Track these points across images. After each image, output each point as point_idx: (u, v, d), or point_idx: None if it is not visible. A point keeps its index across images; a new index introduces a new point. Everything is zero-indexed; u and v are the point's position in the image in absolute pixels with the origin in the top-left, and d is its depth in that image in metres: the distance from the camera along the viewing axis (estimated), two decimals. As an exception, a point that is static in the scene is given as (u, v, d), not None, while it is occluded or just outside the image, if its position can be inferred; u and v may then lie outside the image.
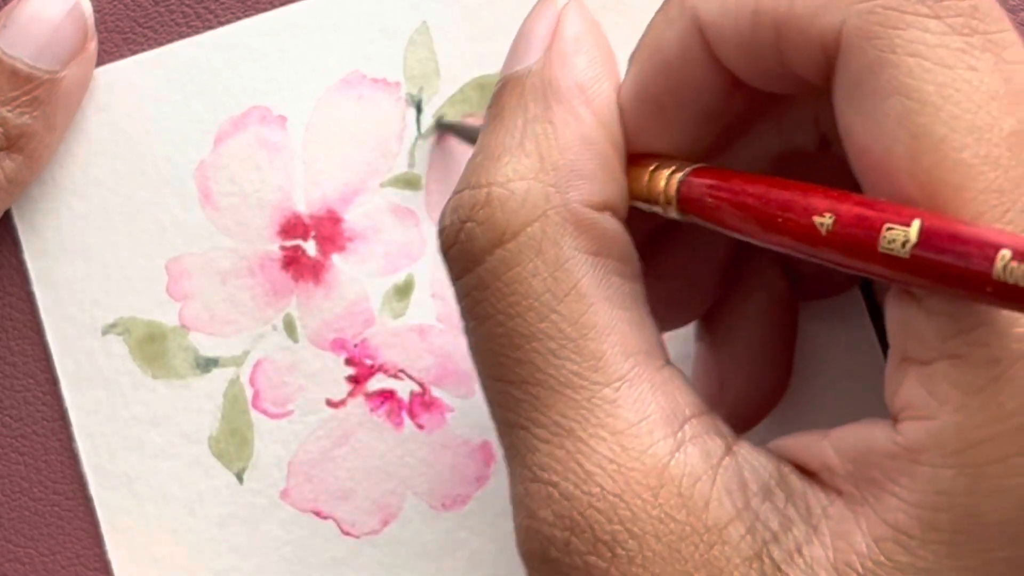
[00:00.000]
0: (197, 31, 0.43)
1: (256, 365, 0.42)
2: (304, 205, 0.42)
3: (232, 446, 0.41)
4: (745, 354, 0.37)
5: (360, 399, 0.41)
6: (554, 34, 0.32)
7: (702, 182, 0.30)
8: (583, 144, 0.31)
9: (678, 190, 0.31)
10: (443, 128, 0.42)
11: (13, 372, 0.42)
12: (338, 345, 0.41)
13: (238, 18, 0.43)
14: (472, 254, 0.30)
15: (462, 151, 0.42)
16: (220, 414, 0.41)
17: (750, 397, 0.37)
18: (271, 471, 0.41)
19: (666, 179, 0.31)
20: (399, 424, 0.41)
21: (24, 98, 0.40)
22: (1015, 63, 0.27)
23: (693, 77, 0.31)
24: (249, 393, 0.42)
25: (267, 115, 0.42)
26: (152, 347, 0.42)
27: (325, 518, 0.41)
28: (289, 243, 0.42)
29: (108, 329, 0.42)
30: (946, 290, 0.26)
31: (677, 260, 0.36)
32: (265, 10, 0.42)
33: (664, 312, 0.33)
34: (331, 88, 0.42)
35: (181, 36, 0.43)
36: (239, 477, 0.41)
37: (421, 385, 0.41)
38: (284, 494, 0.41)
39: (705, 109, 0.31)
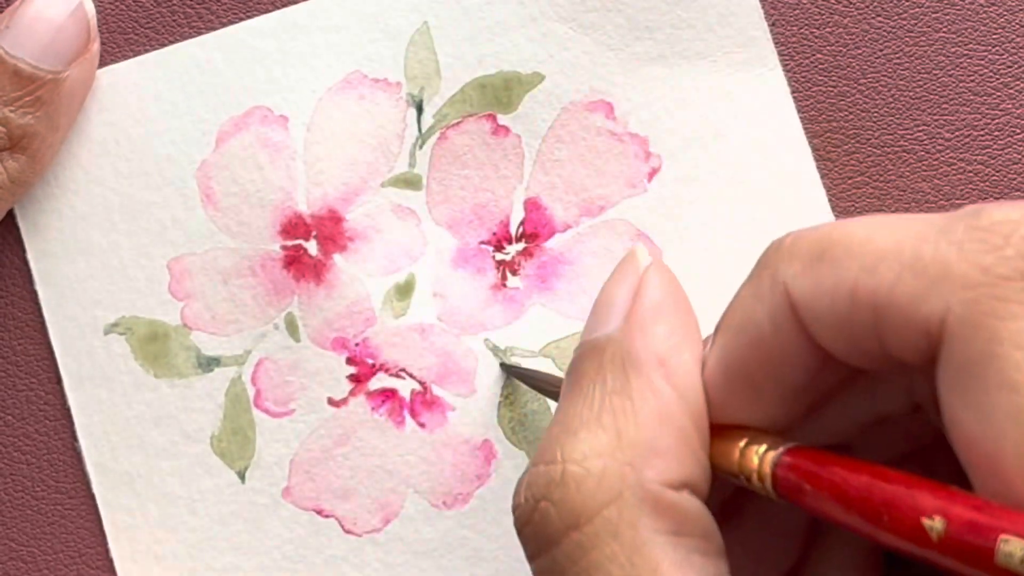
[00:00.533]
0: (199, 32, 0.43)
1: (258, 364, 0.42)
2: (305, 205, 0.42)
3: (234, 445, 0.41)
4: None
5: (361, 398, 0.42)
6: (635, 300, 0.31)
7: (798, 466, 0.29)
8: (662, 420, 0.29)
9: (772, 472, 0.29)
10: (508, 371, 0.41)
11: (16, 371, 0.42)
12: (339, 344, 0.42)
13: (240, 19, 0.43)
14: (547, 536, 0.29)
15: (463, 151, 0.42)
16: (222, 413, 0.42)
17: None
18: (273, 470, 0.41)
19: (758, 457, 0.29)
20: (400, 423, 0.41)
21: (27, 98, 0.40)
22: None
23: (784, 354, 0.29)
24: (251, 392, 0.42)
25: (268, 115, 0.42)
26: (154, 346, 0.42)
27: (327, 516, 0.41)
28: (290, 243, 0.42)
29: (110, 328, 0.42)
30: None
31: (760, 526, 0.34)
32: (266, 11, 0.43)
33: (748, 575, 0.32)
34: (332, 88, 0.42)
35: (183, 37, 0.43)
36: (241, 476, 0.41)
37: (422, 384, 0.42)
38: (286, 493, 0.41)
39: (796, 384, 0.30)
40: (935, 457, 0.30)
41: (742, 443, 0.30)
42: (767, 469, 0.29)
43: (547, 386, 0.39)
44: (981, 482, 0.26)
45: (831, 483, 0.28)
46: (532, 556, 0.30)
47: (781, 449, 0.29)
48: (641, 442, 0.29)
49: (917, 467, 0.29)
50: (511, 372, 0.41)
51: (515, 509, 0.30)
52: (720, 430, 0.30)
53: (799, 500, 0.29)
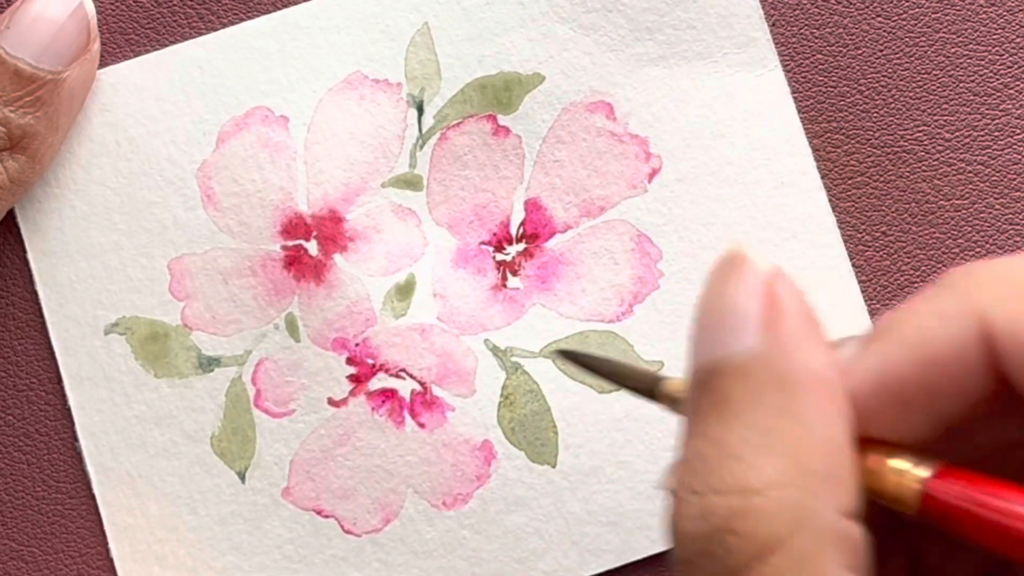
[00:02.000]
0: (199, 32, 0.43)
1: (258, 364, 0.42)
2: (306, 205, 0.42)
3: (234, 445, 0.41)
4: None
5: (361, 398, 0.42)
6: (775, 311, 0.29)
7: (951, 489, 0.27)
8: (835, 446, 0.28)
9: (921, 491, 0.28)
10: (567, 357, 0.38)
11: (17, 371, 0.42)
12: (339, 344, 0.42)
13: (240, 19, 0.43)
14: (729, 569, 0.27)
15: (464, 151, 0.42)
16: (222, 413, 0.42)
17: None
18: (273, 470, 0.41)
19: (901, 476, 0.28)
20: (400, 423, 0.41)
21: (27, 98, 0.40)
22: None
23: (959, 379, 0.28)
24: (251, 392, 0.42)
25: (269, 115, 0.42)
26: (154, 346, 0.42)
27: (327, 517, 0.41)
28: (291, 243, 0.42)
29: (111, 328, 0.42)
30: None
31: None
32: (267, 11, 0.43)
33: None
34: (333, 89, 0.42)
35: (183, 37, 0.43)
36: (241, 476, 0.41)
37: (422, 384, 0.42)
38: (286, 493, 0.41)
39: (958, 408, 0.28)
40: None
41: (881, 458, 0.28)
42: (911, 487, 0.28)
43: (621, 375, 0.35)
44: None
45: (988, 507, 0.27)
46: None
47: (930, 470, 0.28)
48: (819, 470, 0.27)
49: None
50: (576, 360, 0.37)
51: (684, 537, 0.28)
52: (858, 442, 0.29)
53: (948, 525, 0.27)
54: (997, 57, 0.42)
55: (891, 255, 0.42)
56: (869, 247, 0.42)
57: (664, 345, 0.42)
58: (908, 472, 0.28)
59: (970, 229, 0.42)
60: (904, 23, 0.42)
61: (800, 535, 0.27)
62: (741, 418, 0.28)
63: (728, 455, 0.28)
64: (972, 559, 0.32)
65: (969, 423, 0.29)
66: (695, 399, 0.29)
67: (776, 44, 0.42)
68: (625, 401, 0.41)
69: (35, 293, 0.42)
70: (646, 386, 0.33)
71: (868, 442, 0.29)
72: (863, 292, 0.42)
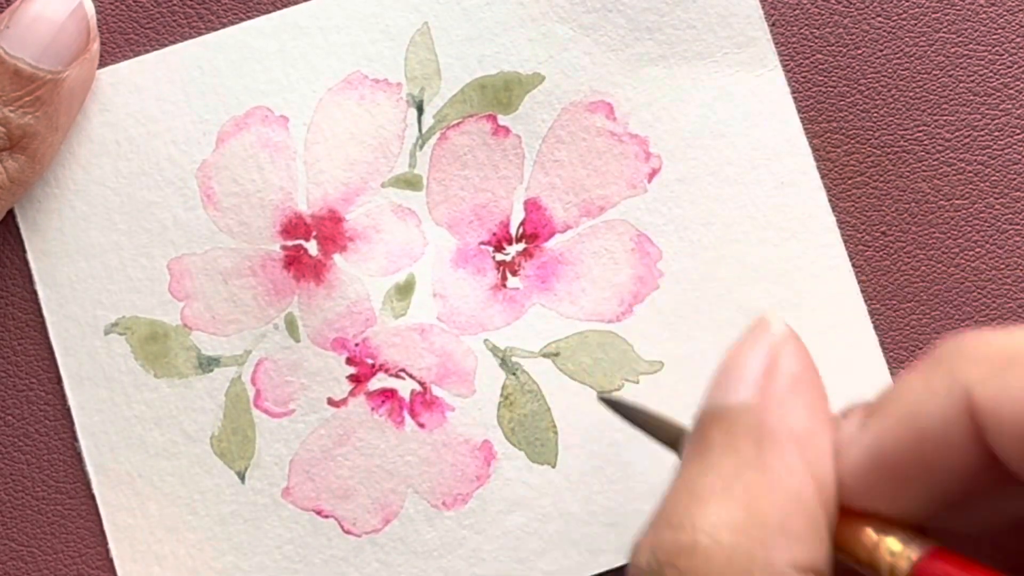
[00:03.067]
0: (199, 32, 0.43)
1: (258, 364, 0.42)
2: (306, 205, 0.42)
3: (234, 445, 0.41)
4: None
5: (361, 398, 0.42)
6: (771, 370, 0.30)
7: (940, 572, 0.28)
8: (796, 501, 0.28)
9: (910, 572, 0.28)
10: (610, 406, 0.38)
11: (16, 371, 0.42)
12: (339, 344, 0.42)
13: (240, 19, 0.43)
14: None
15: (463, 151, 0.42)
16: (222, 413, 0.42)
17: None
18: (273, 470, 0.41)
19: (892, 554, 0.28)
20: (400, 423, 0.41)
21: (27, 98, 0.40)
22: None
23: (949, 455, 0.28)
24: (251, 392, 0.42)
25: (269, 115, 0.42)
26: (154, 346, 0.42)
27: (326, 517, 0.41)
28: (291, 243, 0.42)
29: (110, 328, 0.42)
30: None
31: None
32: (267, 11, 0.43)
33: None
34: (333, 89, 0.42)
35: (183, 37, 0.43)
36: (241, 476, 0.41)
37: (422, 384, 0.42)
38: (285, 493, 0.41)
39: (951, 484, 0.29)
40: None
41: (874, 534, 0.29)
42: (903, 566, 0.28)
43: (652, 426, 0.37)
44: None
45: None
46: None
47: (922, 550, 0.28)
48: (774, 521, 0.28)
49: None
50: (612, 406, 0.38)
51: (634, 569, 0.29)
52: (849, 514, 0.30)
53: None
54: (997, 57, 0.42)
55: (891, 255, 0.42)
56: (869, 247, 0.42)
57: (664, 345, 0.42)
58: (901, 551, 0.28)
59: (970, 229, 0.42)
60: (904, 23, 0.42)
61: None
62: (714, 465, 0.29)
63: (691, 496, 0.29)
64: None
65: (967, 498, 0.30)
66: (689, 444, 0.30)
67: (776, 44, 0.42)
68: (625, 401, 0.41)
69: (35, 293, 0.42)
70: (671, 438, 0.34)
71: (863, 516, 0.29)
72: (863, 292, 0.42)
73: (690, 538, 0.28)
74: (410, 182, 0.42)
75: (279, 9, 0.43)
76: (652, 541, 0.29)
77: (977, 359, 0.28)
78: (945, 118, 0.42)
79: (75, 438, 0.42)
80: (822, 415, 0.30)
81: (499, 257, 0.42)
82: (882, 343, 0.41)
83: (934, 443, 0.28)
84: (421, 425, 0.41)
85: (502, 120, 0.42)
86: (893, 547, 0.29)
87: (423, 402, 0.41)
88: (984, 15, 0.42)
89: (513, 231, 0.42)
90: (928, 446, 0.28)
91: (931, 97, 0.42)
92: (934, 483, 0.29)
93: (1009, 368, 0.27)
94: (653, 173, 0.42)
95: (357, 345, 0.42)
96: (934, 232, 0.42)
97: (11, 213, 0.42)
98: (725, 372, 0.31)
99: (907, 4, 0.42)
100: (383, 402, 0.41)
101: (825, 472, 0.29)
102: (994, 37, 0.42)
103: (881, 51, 0.42)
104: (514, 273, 0.42)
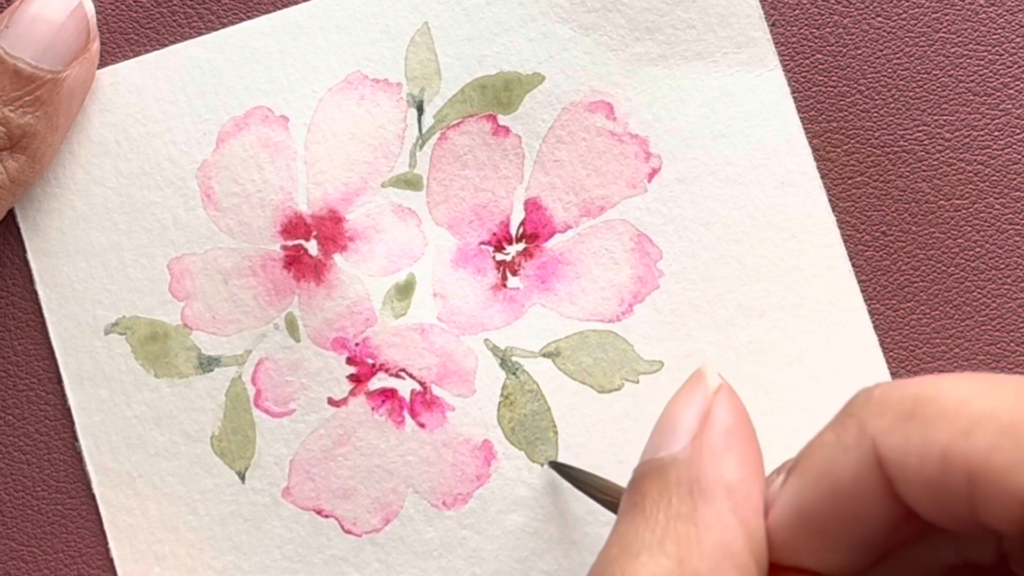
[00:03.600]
0: (199, 32, 0.43)
1: (258, 364, 0.42)
2: (306, 205, 0.42)
3: (234, 445, 0.42)
4: None
5: (361, 398, 0.42)
6: (704, 424, 0.30)
7: None
8: (725, 554, 0.29)
9: None
10: (557, 469, 0.41)
11: (17, 371, 0.42)
12: (339, 344, 0.42)
13: (240, 19, 0.43)
14: None
15: (464, 151, 0.42)
16: (222, 413, 0.42)
17: None
18: (273, 470, 0.41)
19: None
20: (400, 423, 0.41)
21: (27, 98, 0.40)
22: None
23: (865, 507, 0.28)
24: (251, 392, 0.42)
25: (269, 115, 0.42)
26: (154, 346, 0.42)
27: (326, 516, 0.41)
28: (291, 243, 0.42)
29: (111, 328, 0.42)
30: None
31: None
32: (267, 11, 0.43)
33: None
34: (333, 89, 0.42)
35: (183, 37, 0.43)
36: (241, 476, 0.41)
37: (422, 384, 0.42)
38: (286, 493, 0.41)
39: (872, 535, 0.29)
40: None
41: None
42: None
43: (600, 493, 0.38)
44: None
45: None
46: None
47: None
48: (703, 573, 0.28)
49: None
50: (562, 473, 0.40)
51: None
52: (779, 570, 0.30)
53: None
54: (997, 57, 0.42)
55: (891, 255, 0.42)
56: (869, 247, 0.42)
57: (664, 345, 0.42)
58: None
59: (970, 229, 0.42)
60: (904, 23, 0.42)
61: None
62: (644, 515, 0.29)
63: (622, 551, 0.29)
64: None
65: (894, 549, 0.30)
66: (624, 498, 0.31)
67: (776, 44, 0.42)
68: (625, 401, 0.41)
69: (35, 293, 0.42)
70: (616, 501, 0.34)
71: (787, 570, 0.30)
72: (863, 292, 0.42)
73: None
74: (410, 182, 0.42)
75: (279, 9, 0.43)
76: None
77: (881, 409, 0.28)
78: (945, 118, 0.42)
79: (75, 438, 0.42)
80: (755, 468, 0.30)
81: (499, 257, 0.42)
82: (882, 343, 0.41)
83: (849, 497, 0.28)
84: (421, 425, 0.41)
85: (502, 120, 0.42)
86: None
87: (423, 402, 0.41)
88: (984, 15, 0.42)
89: (513, 231, 0.42)
90: (843, 500, 0.29)
91: (931, 97, 0.42)
92: (856, 536, 0.29)
93: (911, 418, 0.27)
94: (653, 173, 0.42)
95: (357, 345, 0.42)
96: (934, 232, 0.42)
97: (11, 213, 0.42)
98: (661, 425, 0.31)
99: (907, 4, 0.42)
100: (383, 402, 0.41)
101: (756, 525, 0.29)
102: (994, 37, 0.42)
103: (881, 51, 0.42)
104: (514, 273, 0.42)
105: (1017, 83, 0.42)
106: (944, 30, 0.42)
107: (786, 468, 0.30)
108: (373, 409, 0.41)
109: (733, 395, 0.31)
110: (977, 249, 0.42)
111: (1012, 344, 0.42)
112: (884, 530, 0.29)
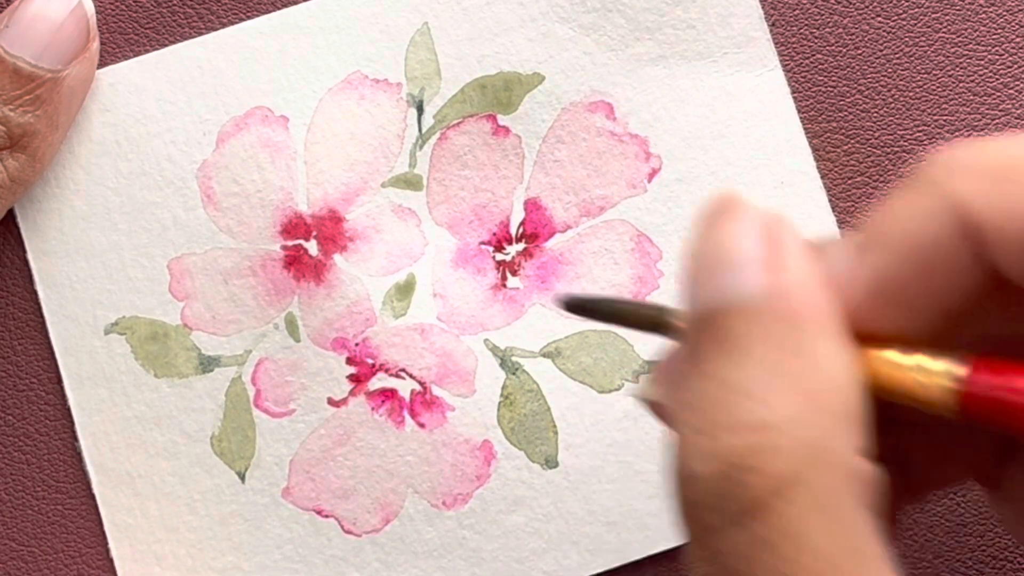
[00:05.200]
0: (199, 32, 0.43)
1: (258, 364, 0.42)
2: (306, 205, 0.42)
3: (234, 445, 0.41)
4: None
5: (361, 398, 0.42)
6: (777, 252, 0.28)
7: (998, 384, 0.27)
8: (848, 384, 0.27)
9: (957, 391, 0.27)
10: (571, 309, 0.36)
11: (17, 371, 0.42)
12: (339, 344, 0.42)
13: (240, 19, 0.43)
14: (746, 506, 0.27)
15: (464, 151, 0.42)
16: (222, 413, 0.42)
17: None
18: (273, 470, 0.41)
19: (933, 374, 0.28)
20: (400, 423, 0.41)
21: (27, 97, 0.40)
22: None
23: (954, 277, 0.28)
24: (251, 392, 0.42)
25: (269, 116, 0.42)
26: (154, 346, 0.42)
27: (326, 517, 0.41)
28: (291, 243, 0.42)
29: (111, 328, 0.42)
30: None
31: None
32: (267, 11, 0.43)
33: None
34: (333, 89, 0.42)
35: (183, 37, 0.43)
36: (241, 476, 0.41)
37: (422, 384, 0.42)
38: (286, 493, 0.41)
39: (955, 304, 0.28)
40: None
41: (911, 359, 0.28)
42: (945, 385, 0.27)
43: (625, 315, 0.34)
44: None
45: None
46: (720, 527, 0.27)
47: (963, 367, 0.27)
48: (833, 408, 0.27)
49: None
50: (577, 310, 0.35)
51: (691, 482, 0.27)
52: (865, 339, 0.28)
53: (989, 417, 0.27)
54: (997, 57, 0.42)
55: (891, 255, 0.42)
56: (869, 247, 0.42)
57: (664, 345, 0.42)
58: (940, 368, 0.27)
59: (970, 229, 0.42)
60: (904, 23, 0.42)
61: (818, 472, 0.26)
62: (751, 356, 0.27)
63: (737, 393, 0.27)
64: (959, 463, 0.32)
65: (965, 316, 0.29)
66: (698, 340, 0.29)
67: (776, 44, 0.42)
68: (625, 401, 0.41)
69: (35, 293, 0.42)
70: (652, 321, 0.32)
71: (871, 339, 0.28)
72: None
73: (759, 437, 0.27)
74: (410, 182, 0.42)
75: (279, 9, 0.43)
76: (712, 449, 0.27)
77: (971, 172, 0.27)
78: (945, 118, 0.42)
79: (75, 438, 0.42)
80: (829, 284, 0.29)
81: (499, 257, 0.42)
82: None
83: (935, 267, 0.28)
84: (421, 425, 0.41)
85: (502, 120, 0.42)
86: (935, 370, 0.28)
87: (423, 402, 0.41)
88: (984, 15, 0.42)
89: (513, 231, 0.42)
90: (928, 268, 0.28)
91: (931, 97, 0.42)
92: (936, 304, 0.28)
93: (1008, 179, 0.27)
94: (653, 173, 0.42)
95: (357, 345, 0.42)
96: (934, 232, 0.42)
97: (11, 213, 0.42)
98: (719, 261, 0.29)
99: (907, 4, 0.42)
100: (383, 402, 0.41)
101: (851, 346, 0.28)
102: (994, 37, 0.42)
103: (881, 51, 0.42)
104: (514, 273, 0.42)
105: (1017, 83, 0.42)
106: (944, 30, 0.42)
107: (840, 247, 0.29)
108: (373, 409, 0.41)
109: (785, 217, 0.29)
110: (977, 249, 0.42)
111: (1012, 344, 0.42)
112: (966, 297, 0.28)
